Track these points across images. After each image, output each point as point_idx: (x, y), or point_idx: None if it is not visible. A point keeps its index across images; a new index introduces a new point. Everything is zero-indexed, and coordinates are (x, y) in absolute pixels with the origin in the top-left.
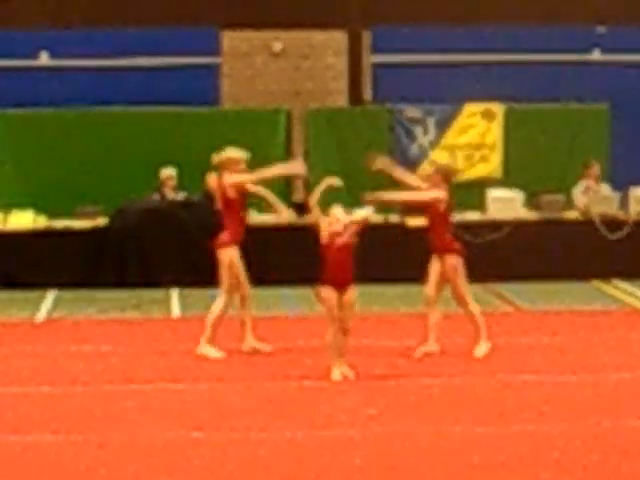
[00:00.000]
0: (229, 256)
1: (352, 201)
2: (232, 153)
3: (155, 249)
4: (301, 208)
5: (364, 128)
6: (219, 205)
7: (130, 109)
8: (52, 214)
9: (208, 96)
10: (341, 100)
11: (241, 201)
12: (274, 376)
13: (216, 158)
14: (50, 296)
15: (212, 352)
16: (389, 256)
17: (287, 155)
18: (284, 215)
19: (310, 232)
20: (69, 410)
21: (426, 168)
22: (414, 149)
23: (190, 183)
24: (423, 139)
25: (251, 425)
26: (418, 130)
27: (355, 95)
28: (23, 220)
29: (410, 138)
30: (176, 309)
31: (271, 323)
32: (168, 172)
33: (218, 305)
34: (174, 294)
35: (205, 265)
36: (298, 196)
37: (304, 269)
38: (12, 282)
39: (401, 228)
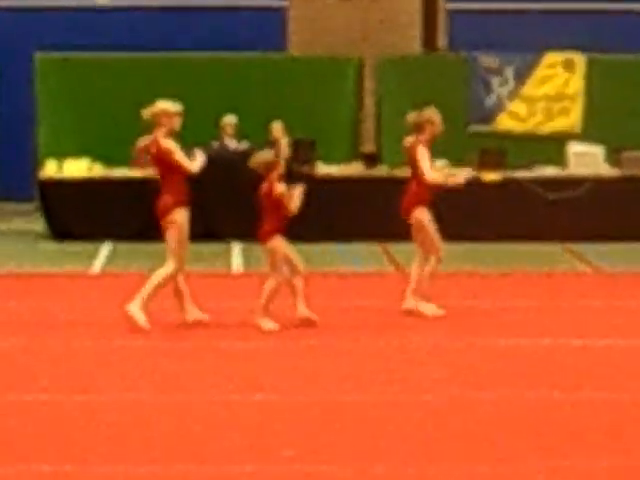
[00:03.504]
0: (179, 219)
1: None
2: (165, 106)
3: (215, 200)
4: (371, 159)
5: (438, 78)
6: (155, 166)
7: (191, 54)
8: (109, 163)
9: (274, 41)
10: (414, 48)
11: (177, 162)
12: (343, 336)
13: (147, 111)
14: (105, 248)
15: (142, 320)
16: (463, 213)
17: (357, 105)
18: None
19: (379, 184)
20: (127, 366)
21: None
22: (491, 100)
23: (253, 132)
24: (500, 90)
25: (320, 389)
26: (495, 80)
27: (429, 43)
28: (78, 169)
29: (487, 89)
30: (238, 264)
31: (336, 280)
32: (228, 119)
33: (167, 269)
34: (236, 248)
35: None
36: (368, 147)
37: (373, 223)
38: (66, 234)
39: (476, 182)
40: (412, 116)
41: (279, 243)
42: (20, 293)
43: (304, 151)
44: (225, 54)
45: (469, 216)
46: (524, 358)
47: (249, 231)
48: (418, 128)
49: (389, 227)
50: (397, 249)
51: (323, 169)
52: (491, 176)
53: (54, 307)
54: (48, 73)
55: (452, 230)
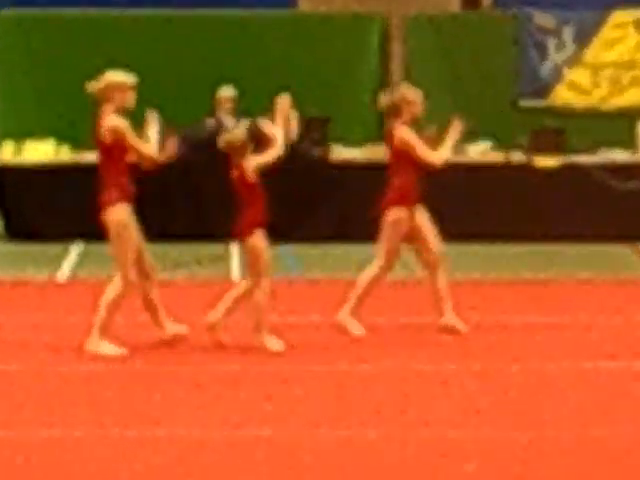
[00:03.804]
0: (119, 216)
1: (464, 129)
2: (117, 78)
3: (210, 191)
4: None
5: (481, 40)
6: (97, 151)
7: (180, 11)
8: (78, 145)
9: None
10: (452, 4)
11: (123, 147)
12: (355, 359)
13: (94, 85)
14: (75, 250)
15: (111, 349)
16: (510, 206)
17: (382, 73)
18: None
19: None
20: (99, 395)
21: None
22: (545, 68)
23: (255, 107)
24: (557, 55)
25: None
26: (551, 43)
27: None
28: (41, 152)
29: (541, 53)
30: (237, 269)
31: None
32: (226, 92)
33: (115, 287)
34: (235, 250)
35: (272, 213)
36: None
37: None
38: (27, 232)
39: (527, 169)
40: (384, 98)
41: (260, 241)
42: None
43: (316, 130)
44: (220, 11)
45: (518, 211)
46: (570, 385)
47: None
48: (394, 111)
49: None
50: None
51: (340, 153)
52: (546, 161)
53: (12, 322)
54: (4, 34)
55: (497, 228)
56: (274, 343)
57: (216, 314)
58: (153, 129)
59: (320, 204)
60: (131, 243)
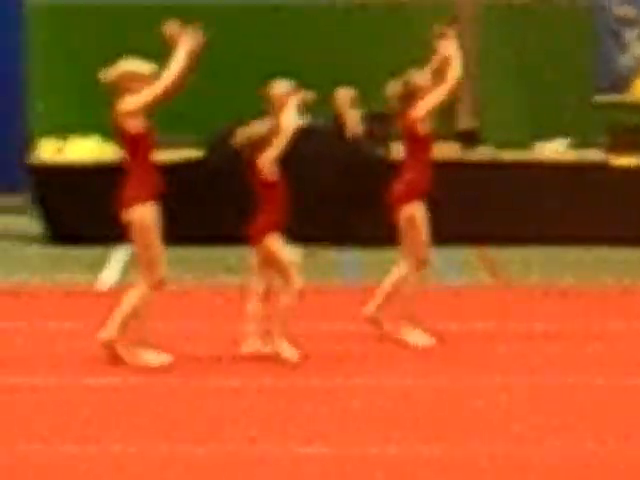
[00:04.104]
0: (140, 216)
1: (535, 128)
2: (133, 66)
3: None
4: (469, 138)
5: (556, 31)
6: (121, 146)
7: (233, 2)
8: None
9: None
10: None
11: (147, 137)
12: (403, 373)
13: (110, 73)
14: (119, 255)
15: (154, 357)
16: (588, 208)
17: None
18: None
19: (480, 171)
20: (139, 409)
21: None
22: (625, 61)
23: (314, 103)
24: (638, 47)
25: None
26: (632, 36)
27: None
28: (85, 150)
29: (620, 46)
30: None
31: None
32: (283, 88)
33: (134, 296)
34: None
35: (333, 215)
36: (465, 122)
37: (468, 222)
38: (68, 235)
39: (605, 168)
40: (396, 87)
41: (273, 245)
42: (4, 313)
43: (379, 127)
44: (277, 1)
45: (593, 213)
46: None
47: (306, 232)
48: (409, 99)
49: (489, 227)
50: (499, 256)
51: (401, 151)
52: (624, 160)
53: (50, 332)
54: (45, 24)
55: (573, 231)
56: (290, 351)
57: (254, 340)
58: (180, 48)
59: (381, 206)
60: (153, 244)
